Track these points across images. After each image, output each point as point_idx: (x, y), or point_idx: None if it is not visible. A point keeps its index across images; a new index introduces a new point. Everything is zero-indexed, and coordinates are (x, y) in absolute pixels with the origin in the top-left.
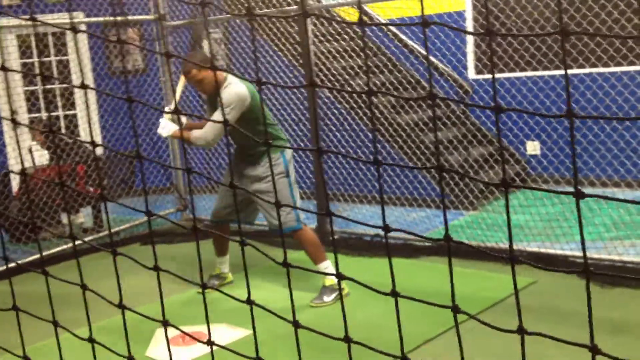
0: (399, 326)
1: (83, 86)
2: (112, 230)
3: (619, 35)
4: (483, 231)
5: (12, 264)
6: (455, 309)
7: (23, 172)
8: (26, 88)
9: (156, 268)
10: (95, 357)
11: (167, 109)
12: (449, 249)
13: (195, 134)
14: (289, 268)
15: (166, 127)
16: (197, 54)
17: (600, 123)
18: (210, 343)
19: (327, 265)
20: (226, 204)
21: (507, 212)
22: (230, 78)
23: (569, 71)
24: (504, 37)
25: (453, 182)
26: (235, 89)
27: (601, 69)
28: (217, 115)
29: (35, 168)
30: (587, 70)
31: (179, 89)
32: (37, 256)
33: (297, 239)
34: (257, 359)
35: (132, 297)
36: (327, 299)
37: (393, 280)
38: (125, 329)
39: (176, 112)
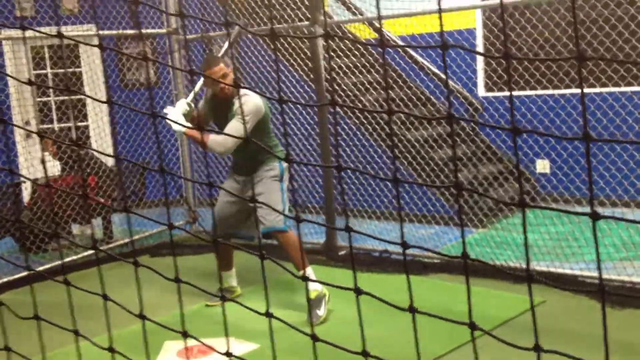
0: (416, 340)
1: (109, 101)
2: (122, 242)
3: (635, 61)
4: (492, 249)
5: (22, 274)
6: (472, 326)
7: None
8: (39, 99)
9: (177, 280)
10: None
11: (179, 102)
12: (466, 266)
13: (217, 139)
14: (306, 281)
15: (179, 121)
16: (222, 58)
17: (610, 143)
18: (228, 354)
19: (310, 272)
20: (226, 216)
21: (525, 232)
22: (243, 89)
23: (579, 90)
24: (519, 60)
25: (462, 199)
26: (253, 99)
27: (612, 89)
28: (235, 123)
29: (47, 179)
30: (598, 89)
31: (196, 88)
32: (47, 266)
33: (282, 242)
34: None
35: (139, 309)
36: (320, 312)
37: (411, 297)
38: (145, 337)
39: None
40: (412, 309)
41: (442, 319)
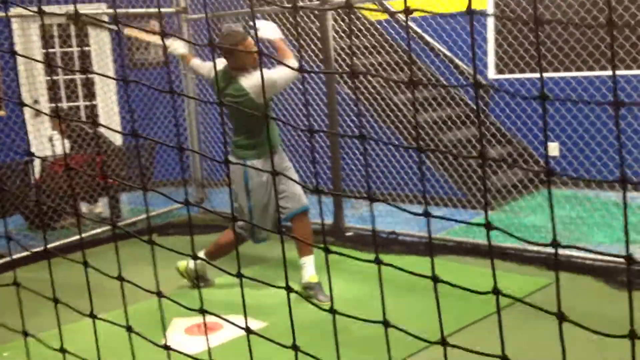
0: (439, 310)
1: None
2: (129, 221)
3: None
4: (500, 231)
5: (33, 251)
6: (497, 292)
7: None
8: (48, 77)
9: (191, 232)
10: (131, 343)
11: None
12: (489, 235)
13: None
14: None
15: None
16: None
17: (621, 125)
18: (247, 330)
19: (311, 261)
20: (271, 214)
21: (550, 201)
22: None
23: (590, 73)
24: (550, 24)
25: (471, 181)
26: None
27: (624, 72)
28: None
29: (55, 157)
30: (617, 72)
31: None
32: (56, 243)
33: (299, 222)
34: (294, 346)
35: (148, 287)
36: (327, 294)
37: (433, 266)
38: (162, 313)
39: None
40: (434, 279)
41: (465, 289)
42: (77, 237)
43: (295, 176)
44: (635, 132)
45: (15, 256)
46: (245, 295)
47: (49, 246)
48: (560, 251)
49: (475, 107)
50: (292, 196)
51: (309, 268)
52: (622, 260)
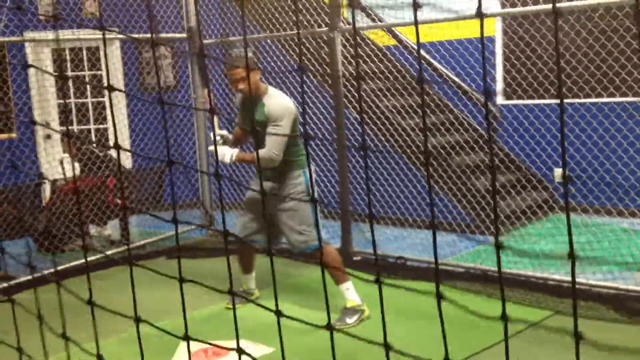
0: (444, 337)
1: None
2: (138, 244)
3: None
4: (508, 257)
5: (40, 274)
6: (505, 318)
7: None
8: (59, 101)
9: (181, 280)
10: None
11: (217, 134)
12: (498, 255)
13: (261, 153)
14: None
15: (227, 153)
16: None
17: (630, 152)
18: (239, 351)
19: (349, 287)
20: (249, 219)
21: (569, 226)
22: (272, 89)
23: (597, 100)
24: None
25: (479, 206)
26: (284, 102)
27: (632, 99)
28: (272, 131)
29: (65, 180)
30: (618, 99)
31: (217, 129)
32: (65, 266)
33: (321, 258)
34: None
35: (155, 310)
36: (350, 320)
37: (437, 289)
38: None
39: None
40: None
41: (476, 315)
42: (84, 260)
43: (306, 214)
44: None
45: (22, 279)
46: (255, 320)
47: (58, 269)
48: (569, 278)
49: (484, 133)
50: (295, 231)
51: (346, 293)
52: (634, 288)
